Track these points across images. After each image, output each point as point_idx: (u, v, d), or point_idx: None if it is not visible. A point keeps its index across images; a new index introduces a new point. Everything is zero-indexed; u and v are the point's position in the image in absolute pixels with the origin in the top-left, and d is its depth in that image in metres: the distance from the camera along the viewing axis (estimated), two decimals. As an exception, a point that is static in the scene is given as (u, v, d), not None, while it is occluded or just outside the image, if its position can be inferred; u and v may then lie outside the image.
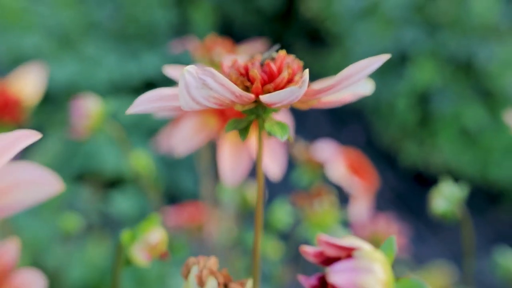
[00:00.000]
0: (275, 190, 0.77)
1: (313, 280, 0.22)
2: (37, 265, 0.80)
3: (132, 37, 1.96)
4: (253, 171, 0.42)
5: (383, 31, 1.55)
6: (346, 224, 0.64)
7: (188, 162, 1.69)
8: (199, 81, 0.27)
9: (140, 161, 0.62)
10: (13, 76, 0.54)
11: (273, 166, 0.45)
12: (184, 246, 0.40)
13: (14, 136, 0.23)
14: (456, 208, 0.48)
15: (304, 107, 0.32)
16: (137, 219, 1.21)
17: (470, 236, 0.52)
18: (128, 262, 0.38)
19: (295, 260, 0.75)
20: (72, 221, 0.69)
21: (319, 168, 0.69)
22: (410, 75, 1.51)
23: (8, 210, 0.19)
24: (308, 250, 0.22)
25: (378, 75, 1.63)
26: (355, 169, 0.69)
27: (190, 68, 0.27)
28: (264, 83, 0.29)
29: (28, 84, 0.54)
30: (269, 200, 0.61)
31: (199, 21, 2.09)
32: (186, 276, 0.31)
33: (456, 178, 0.51)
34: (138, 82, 1.72)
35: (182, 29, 2.17)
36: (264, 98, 0.28)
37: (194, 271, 0.30)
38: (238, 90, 0.27)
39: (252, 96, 0.29)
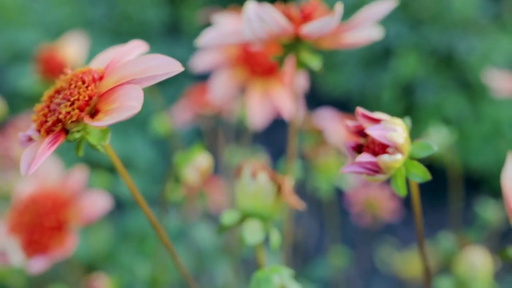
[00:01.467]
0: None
1: (352, 143, 0.31)
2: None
3: (125, 34, 2.03)
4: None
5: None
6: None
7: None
8: (257, 16, 0.35)
9: (163, 124, 0.70)
10: (59, 42, 0.62)
11: (290, 109, 0.54)
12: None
13: (131, 45, 0.32)
14: (443, 152, 0.57)
15: (329, 45, 0.41)
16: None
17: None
18: (178, 181, 0.47)
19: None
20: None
21: (320, 135, 0.78)
22: (395, 67, 1.61)
23: (145, 82, 0.27)
24: (349, 123, 0.31)
25: (363, 68, 1.74)
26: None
27: (251, 5, 0.35)
28: (301, 21, 0.38)
29: (72, 49, 0.62)
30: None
31: (191, 19, 2.16)
32: (238, 175, 0.39)
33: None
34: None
35: (174, 27, 2.25)
36: (305, 27, 0.36)
37: (247, 169, 0.39)
38: (285, 23, 0.36)
39: (293, 28, 0.37)
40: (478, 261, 0.50)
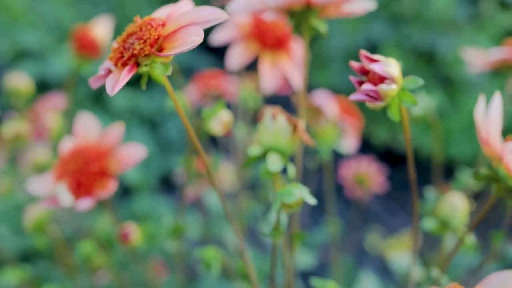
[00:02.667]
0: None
1: (358, 79, 0.39)
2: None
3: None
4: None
5: (355, 24, 1.76)
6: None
7: (181, 148, 1.84)
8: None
9: (179, 100, 0.78)
10: (90, 24, 0.70)
11: (295, 78, 0.62)
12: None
13: (182, 2, 0.40)
14: (428, 114, 0.65)
15: (332, 14, 0.50)
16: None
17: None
18: (206, 132, 0.55)
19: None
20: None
21: (318, 110, 0.87)
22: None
23: (202, 26, 0.35)
24: (354, 64, 0.39)
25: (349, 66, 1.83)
26: (344, 111, 0.87)
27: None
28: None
29: (100, 29, 0.70)
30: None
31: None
32: (260, 118, 0.48)
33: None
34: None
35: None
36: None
37: (268, 112, 0.47)
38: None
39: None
40: (458, 203, 0.58)
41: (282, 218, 0.45)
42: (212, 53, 2.36)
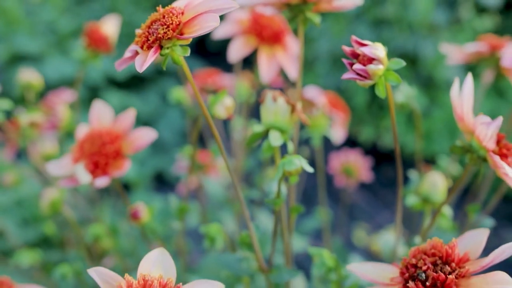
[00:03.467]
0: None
1: (349, 61, 0.45)
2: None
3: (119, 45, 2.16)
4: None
5: (340, 28, 1.83)
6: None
7: (172, 148, 1.90)
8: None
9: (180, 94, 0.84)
10: (100, 22, 0.75)
11: (290, 69, 0.68)
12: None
13: None
14: (409, 102, 0.72)
15: (325, 8, 0.56)
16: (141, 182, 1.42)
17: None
18: (212, 116, 0.61)
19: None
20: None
21: (309, 104, 0.93)
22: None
23: (217, 14, 0.41)
24: (346, 48, 0.46)
25: (337, 68, 1.91)
26: (333, 104, 0.94)
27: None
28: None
29: (109, 26, 0.75)
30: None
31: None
32: (262, 101, 0.54)
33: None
34: (126, 77, 1.94)
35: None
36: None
37: (269, 95, 0.53)
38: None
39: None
40: (438, 180, 0.65)
41: (282, 188, 0.51)
42: (202, 57, 2.43)
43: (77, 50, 0.73)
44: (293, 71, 0.68)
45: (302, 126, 0.84)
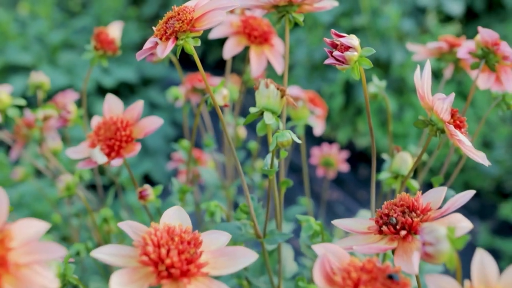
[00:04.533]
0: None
1: (329, 50, 0.55)
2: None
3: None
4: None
5: (317, 35, 1.94)
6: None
7: (156, 153, 1.98)
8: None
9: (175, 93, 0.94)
10: (107, 27, 0.84)
11: (277, 65, 0.78)
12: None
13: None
14: (380, 93, 0.82)
15: (307, 9, 0.66)
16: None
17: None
18: (211, 105, 0.70)
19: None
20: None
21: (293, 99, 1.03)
22: (341, 72, 1.91)
23: (223, 9, 0.51)
24: (327, 40, 0.55)
25: (314, 74, 2.02)
26: (313, 101, 1.04)
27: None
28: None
29: (115, 31, 0.84)
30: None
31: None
32: (257, 87, 0.63)
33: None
34: (115, 85, 2.02)
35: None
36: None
37: (263, 82, 0.62)
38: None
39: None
40: (407, 158, 0.75)
41: (275, 161, 0.61)
42: (183, 67, 2.54)
43: (87, 52, 0.81)
44: (279, 67, 0.78)
45: (288, 119, 0.94)
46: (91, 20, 2.33)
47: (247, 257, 0.48)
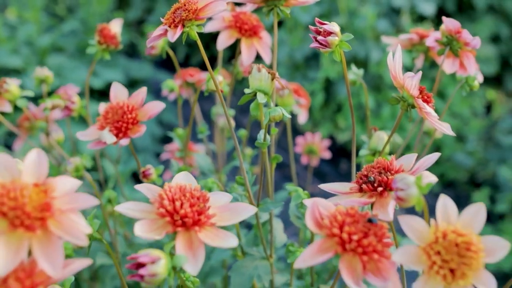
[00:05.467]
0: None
1: (314, 36, 0.64)
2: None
3: (92, 58, 2.32)
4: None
5: (298, 36, 2.04)
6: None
7: (143, 151, 2.05)
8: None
9: (171, 85, 1.01)
10: (109, 23, 0.92)
11: (265, 55, 0.87)
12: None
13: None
14: (358, 80, 0.91)
15: (293, 3, 0.74)
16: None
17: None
18: (208, 90, 0.78)
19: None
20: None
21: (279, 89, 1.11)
22: (322, 68, 2.00)
23: (224, 1, 0.59)
24: (312, 27, 0.64)
25: (295, 72, 2.11)
26: (297, 92, 1.12)
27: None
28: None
29: (116, 26, 0.92)
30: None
31: (143, 44, 2.49)
32: (249, 72, 0.71)
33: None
34: (104, 86, 2.09)
35: (131, 49, 2.58)
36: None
37: (255, 66, 0.71)
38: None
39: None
40: (383, 136, 0.84)
41: (267, 137, 0.69)
42: (166, 69, 2.62)
43: (91, 47, 0.89)
44: (267, 57, 0.86)
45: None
46: (78, 24, 2.39)
47: (248, 210, 0.56)
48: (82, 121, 1.91)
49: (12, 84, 0.90)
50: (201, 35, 0.62)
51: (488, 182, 2.06)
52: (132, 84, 2.22)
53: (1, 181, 0.45)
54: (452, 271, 0.48)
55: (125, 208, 0.53)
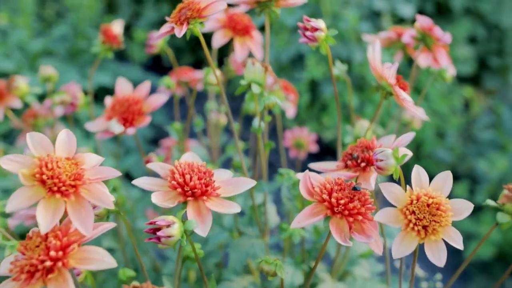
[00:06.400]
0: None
1: (302, 32, 0.72)
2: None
3: (81, 62, 2.38)
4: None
5: (283, 39, 2.12)
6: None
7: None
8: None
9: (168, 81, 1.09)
10: (111, 24, 0.99)
11: (256, 52, 0.95)
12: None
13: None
14: (342, 74, 0.99)
15: (282, 4, 0.83)
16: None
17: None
18: (207, 84, 0.86)
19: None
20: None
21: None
22: (307, 69, 2.09)
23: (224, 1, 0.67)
24: (300, 24, 0.72)
25: (282, 73, 2.19)
26: (286, 88, 1.21)
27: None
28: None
29: (117, 27, 1.00)
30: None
31: (133, 49, 2.57)
32: (244, 65, 0.79)
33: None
34: (96, 89, 2.15)
35: (120, 53, 2.64)
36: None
37: (250, 61, 0.79)
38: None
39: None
40: (365, 123, 0.92)
41: (261, 123, 0.77)
42: (154, 72, 2.70)
43: (95, 46, 0.96)
44: (258, 53, 0.94)
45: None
46: (68, 29, 2.45)
47: (248, 183, 0.64)
48: (76, 124, 1.98)
49: (21, 82, 0.97)
50: (189, 40, 0.70)
51: (467, 176, 2.17)
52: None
53: (39, 155, 0.52)
54: (425, 227, 0.56)
55: (141, 182, 0.61)
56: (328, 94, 2.15)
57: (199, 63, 2.77)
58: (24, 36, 2.22)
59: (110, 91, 2.25)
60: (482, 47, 2.60)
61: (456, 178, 2.24)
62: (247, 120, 1.40)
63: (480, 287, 1.91)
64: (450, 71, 0.91)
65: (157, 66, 2.83)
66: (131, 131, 0.82)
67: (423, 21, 0.86)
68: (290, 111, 1.19)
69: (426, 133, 2.23)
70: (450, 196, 0.60)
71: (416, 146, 2.23)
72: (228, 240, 0.97)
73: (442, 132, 2.31)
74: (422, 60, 0.90)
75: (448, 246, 0.57)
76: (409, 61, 1.06)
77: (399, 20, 2.28)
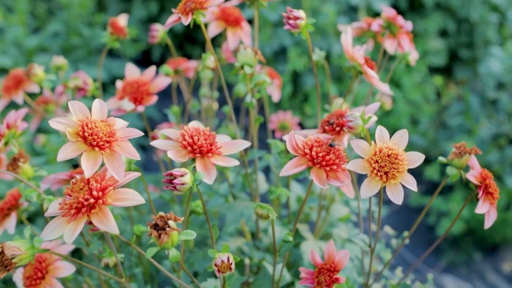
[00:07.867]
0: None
1: (286, 21, 0.86)
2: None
3: (76, 58, 2.49)
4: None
5: (266, 33, 2.27)
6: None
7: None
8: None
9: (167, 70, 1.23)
10: (117, 17, 1.13)
11: (246, 40, 1.09)
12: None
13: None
14: (320, 60, 1.14)
15: (268, -2, 0.97)
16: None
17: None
18: (204, 67, 1.00)
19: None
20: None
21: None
22: (289, 61, 2.24)
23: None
24: (284, 14, 0.87)
25: (269, 66, 2.33)
26: (271, 75, 1.35)
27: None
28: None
29: (123, 20, 1.13)
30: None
31: (123, 43, 2.68)
32: (237, 50, 0.93)
33: None
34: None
35: (110, 49, 2.76)
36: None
37: (242, 46, 0.93)
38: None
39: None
40: (340, 100, 1.07)
41: (253, 100, 0.91)
42: (144, 67, 2.82)
43: (104, 36, 1.10)
44: (248, 41, 1.09)
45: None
46: (61, 26, 2.57)
47: (244, 144, 0.78)
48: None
49: (38, 69, 1.10)
50: (175, 36, 0.83)
51: (439, 159, 2.33)
52: (114, 81, 2.42)
53: (80, 118, 0.66)
54: (386, 173, 0.71)
55: (158, 143, 0.75)
56: (309, 85, 2.30)
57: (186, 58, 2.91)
58: (20, 33, 2.34)
59: (103, 85, 2.38)
60: (453, 40, 2.77)
61: (428, 161, 2.41)
62: (236, 109, 1.53)
63: (450, 260, 2.08)
64: (413, 55, 1.06)
65: (146, 60, 2.96)
66: (140, 108, 0.96)
67: (388, 11, 1.01)
68: (276, 95, 1.34)
69: (401, 120, 2.39)
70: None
71: (392, 132, 2.38)
72: (223, 207, 1.11)
73: (416, 119, 2.48)
74: (389, 45, 1.04)
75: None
76: (379, 50, 1.21)
77: (375, 15, 2.43)
